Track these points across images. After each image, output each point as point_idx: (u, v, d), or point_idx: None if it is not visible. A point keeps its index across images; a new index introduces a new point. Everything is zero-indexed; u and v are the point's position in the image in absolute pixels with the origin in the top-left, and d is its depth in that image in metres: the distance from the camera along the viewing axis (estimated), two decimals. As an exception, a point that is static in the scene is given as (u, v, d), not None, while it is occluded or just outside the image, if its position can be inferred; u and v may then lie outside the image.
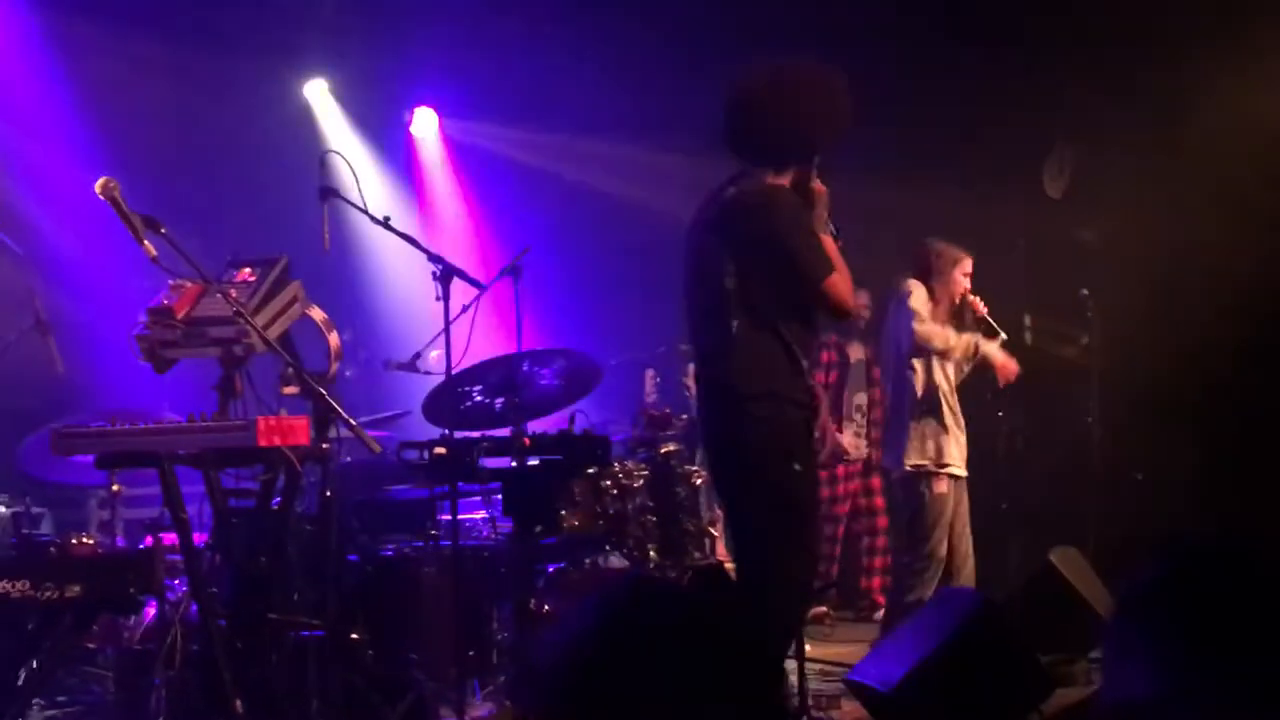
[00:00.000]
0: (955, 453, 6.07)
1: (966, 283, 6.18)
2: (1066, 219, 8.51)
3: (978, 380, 6.57)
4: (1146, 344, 8.10)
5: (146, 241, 4.45)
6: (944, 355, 6.05)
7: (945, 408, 6.07)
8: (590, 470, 5.68)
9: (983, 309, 6.13)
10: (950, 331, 6.06)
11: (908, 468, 6.03)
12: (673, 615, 1.53)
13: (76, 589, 4.48)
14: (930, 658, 4.88)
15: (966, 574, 6.10)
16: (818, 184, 4.56)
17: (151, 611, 5.72)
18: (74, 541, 5.29)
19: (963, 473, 6.12)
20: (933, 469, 6.02)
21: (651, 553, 5.60)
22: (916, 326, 5.99)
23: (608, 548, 5.65)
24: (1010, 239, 8.14)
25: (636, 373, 7.50)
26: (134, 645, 5.94)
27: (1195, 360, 7.98)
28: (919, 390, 6.06)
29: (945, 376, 6.09)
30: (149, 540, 5.85)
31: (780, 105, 4.50)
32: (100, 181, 4.47)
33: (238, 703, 4.51)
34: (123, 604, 4.78)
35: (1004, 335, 6.18)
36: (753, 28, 8.78)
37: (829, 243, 4.52)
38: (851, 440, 8.19)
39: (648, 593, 1.60)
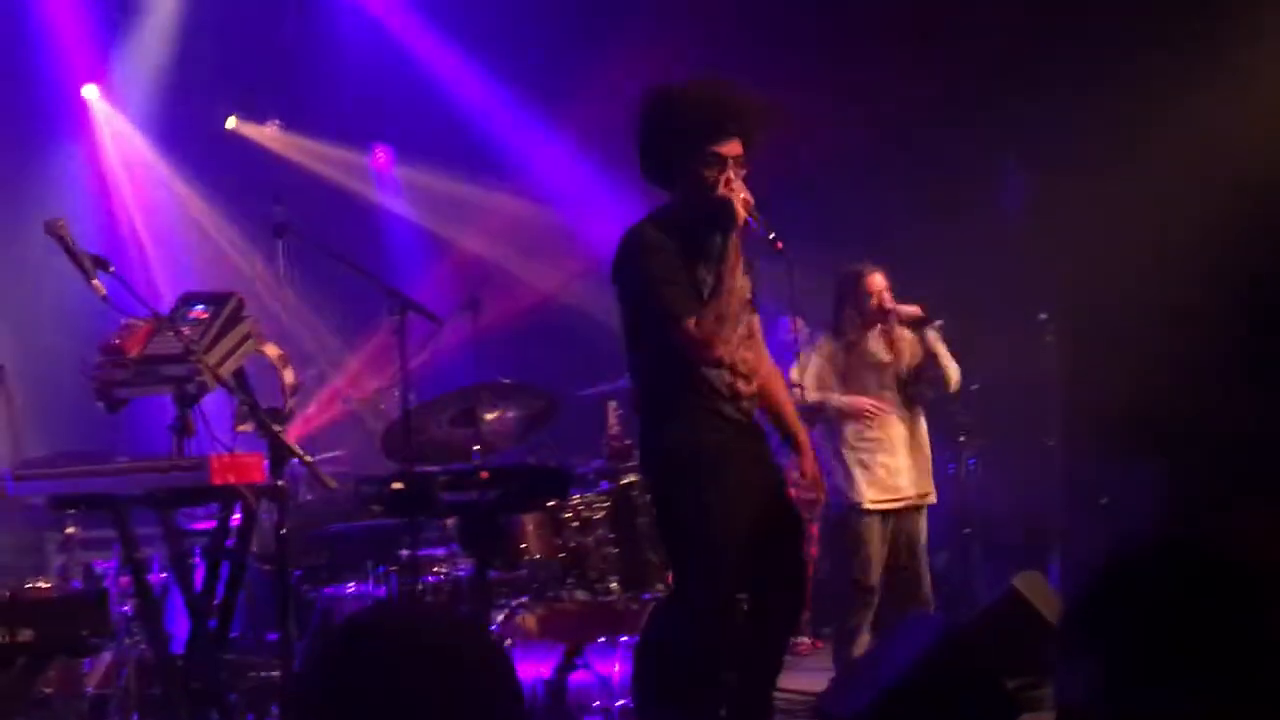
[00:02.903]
0: (879, 488, 6.07)
1: (879, 296, 6.14)
2: (1025, 239, 8.53)
3: (942, 403, 6.59)
4: (1108, 366, 8.12)
5: (96, 280, 4.40)
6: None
7: (857, 443, 6.07)
8: (550, 503, 5.65)
9: (906, 310, 6.09)
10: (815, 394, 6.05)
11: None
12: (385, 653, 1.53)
13: (28, 633, 4.40)
14: (895, 685, 4.85)
15: (921, 599, 6.09)
16: (722, 191, 4.28)
17: (109, 656, 5.66)
18: (27, 586, 5.21)
19: (900, 504, 6.09)
20: (853, 505, 6.04)
21: (613, 585, 5.56)
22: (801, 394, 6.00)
23: (569, 581, 5.61)
24: (968, 260, 8.16)
25: (598, 406, 7.47)
26: (91, 690, 5.87)
27: (1158, 381, 8.00)
28: (842, 427, 6.09)
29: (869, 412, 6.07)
30: (107, 584, 5.80)
31: (641, 126, 4.41)
32: (48, 221, 4.43)
33: (195, 746, 4.45)
34: (76, 648, 4.70)
35: (940, 320, 6.14)
36: (708, 43, 8.81)
37: (732, 280, 4.29)
38: None
39: (370, 628, 1.59)
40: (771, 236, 4.35)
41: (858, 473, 6.04)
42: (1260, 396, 7.83)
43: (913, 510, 6.12)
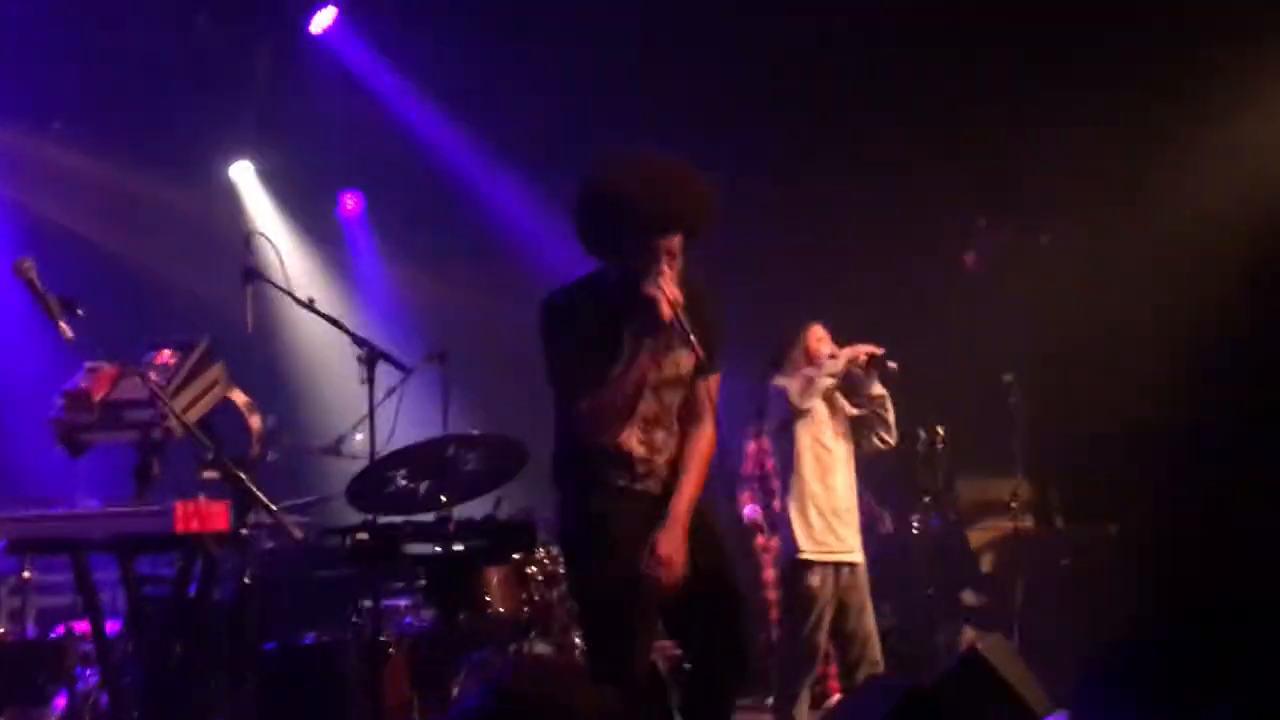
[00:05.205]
0: (832, 540, 5.99)
1: (827, 346, 6.11)
2: (989, 295, 8.58)
3: (907, 463, 6.59)
4: (1072, 423, 8.16)
5: (63, 323, 4.37)
6: (821, 390, 5.91)
7: (816, 497, 6.00)
8: (515, 556, 5.62)
9: (863, 352, 6.02)
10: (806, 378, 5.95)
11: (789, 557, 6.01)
12: None
13: (-18, 681, 4.34)
14: (857, 747, 4.83)
15: (869, 661, 6.03)
16: (646, 288, 4.08)
17: (63, 703, 5.57)
18: (-18, 632, 5.14)
19: (848, 559, 6.02)
20: (806, 558, 5.96)
21: (576, 639, 5.52)
22: (790, 396, 5.90)
23: (533, 634, 5.57)
24: (931, 320, 8.20)
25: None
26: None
27: (1122, 438, 8.04)
28: (791, 481, 6.02)
29: (819, 463, 6.00)
30: (60, 629, 5.71)
31: (583, 204, 4.19)
32: (16, 261, 4.40)
33: (150, 798, 4.38)
34: (30, 695, 4.63)
35: (895, 365, 6.07)
36: (686, 90, 8.85)
37: (638, 362, 4.10)
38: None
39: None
40: (692, 340, 4.12)
41: (800, 524, 5.97)
42: (1222, 461, 7.89)
43: (854, 567, 6.07)
